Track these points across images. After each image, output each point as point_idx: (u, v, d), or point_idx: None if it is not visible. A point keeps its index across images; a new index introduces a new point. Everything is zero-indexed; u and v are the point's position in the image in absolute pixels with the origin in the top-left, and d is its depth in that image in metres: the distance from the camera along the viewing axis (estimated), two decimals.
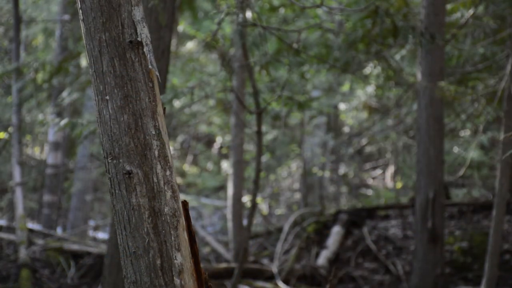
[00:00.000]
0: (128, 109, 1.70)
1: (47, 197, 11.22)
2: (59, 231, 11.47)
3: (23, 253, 7.72)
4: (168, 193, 1.73)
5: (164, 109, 1.76)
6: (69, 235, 10.36)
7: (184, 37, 13.66)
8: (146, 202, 1.71)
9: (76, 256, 8.64)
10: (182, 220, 1.76)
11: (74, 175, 12.24)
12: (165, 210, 1.72)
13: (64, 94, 9.95)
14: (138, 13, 1.72)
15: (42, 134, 13.38)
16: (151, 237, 1.71)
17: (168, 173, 1.74)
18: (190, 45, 14.53)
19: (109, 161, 1.72)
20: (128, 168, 1.70)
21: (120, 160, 1.71)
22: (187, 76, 11.61)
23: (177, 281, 1.72)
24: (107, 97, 1.71)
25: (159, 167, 1.72)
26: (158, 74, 1.75)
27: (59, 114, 10.58)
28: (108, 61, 1.70)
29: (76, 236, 10.43)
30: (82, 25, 1.72)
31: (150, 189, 1.71)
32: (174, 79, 11.48)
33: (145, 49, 1.73)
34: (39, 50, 12.66)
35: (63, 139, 11.22)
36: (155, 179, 1.72)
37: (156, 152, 1.72)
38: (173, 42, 10.61)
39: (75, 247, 8.81)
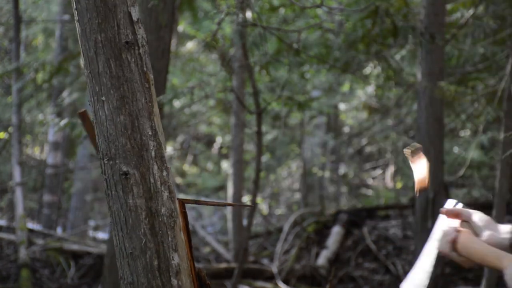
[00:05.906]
0: (124, 110, 1.70)
1: (47, 197, 11.21)
2: (59, 231, 11.47)
3: (23, 253, 7.72)
4: (165, 194, 1.73)
5: (160, 109, 1.76)
6: (69, 235, 10.36)
7: (184, 37, 13.65)
8: (143, 203, 1.71)
9: (76, 256, 8.64)
10: (179, 221, 1.75)
11: (74, 175, 12.24)
12: (162, 210, 1.72)
13: (64, 94, 9.95)
14: (134, 13, 1.71)
15: (42, 134, 13.36)
16: (148, 238, 1.70)
17: (165, 173, 1.73)
18: (190, 45, 14.52)
19: (106, 162, 1.72)
20: (124, 169, 1.70)
21: (117, 161, 1.71)
22: (187, 76, 11.59)
23: (174, 281, 1.71)
24: (103, 98, 1.70)
25: (155, 167, 1.72)
26: (152, 76, 1.75)
27: (59, 114, 10.57)
28: (104, 62, 1.69)
29: (76, 236, 10.42)
30: (77, 26, 1.72)
31: (147, 189, 1.71)
32: (174, 79, 11.46)
33: (141, 49, 1.73)
34: (39, 50, 12.66)
35: (63, 139, 11.22)
36: (152, 180, 1.71)
37: (153, 153, 1.72)
38: (173, 42, 10.60)
39: (75, 247, 8.81)
